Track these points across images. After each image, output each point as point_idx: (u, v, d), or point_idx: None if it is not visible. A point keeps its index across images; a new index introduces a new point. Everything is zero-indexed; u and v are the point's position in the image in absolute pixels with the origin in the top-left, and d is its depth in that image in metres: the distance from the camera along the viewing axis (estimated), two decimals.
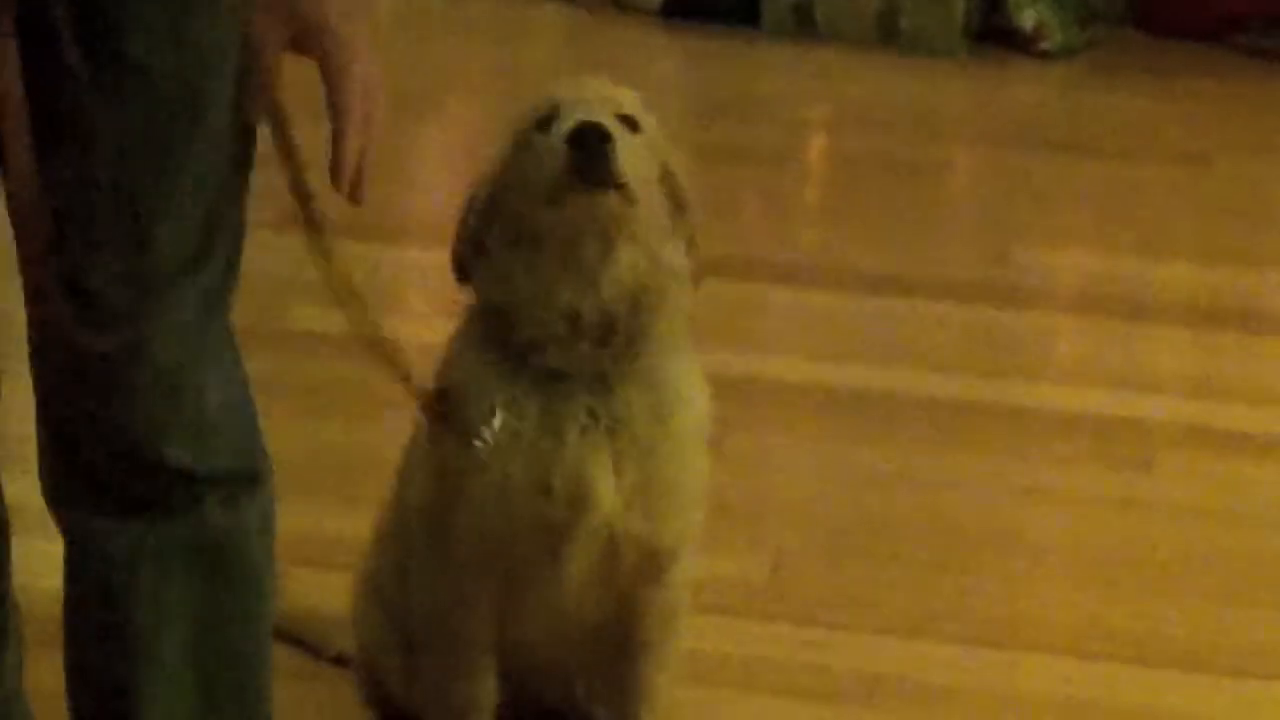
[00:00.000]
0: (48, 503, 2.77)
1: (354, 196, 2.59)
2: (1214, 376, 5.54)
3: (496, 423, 3.02)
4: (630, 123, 3.08)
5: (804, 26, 7.58)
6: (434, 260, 3.86)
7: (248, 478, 2.77)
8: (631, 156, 3.03)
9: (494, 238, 3.17)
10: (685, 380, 3.24)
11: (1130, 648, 4.28)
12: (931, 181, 6.85)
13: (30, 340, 2.65)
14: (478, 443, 3.00)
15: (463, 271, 3.23)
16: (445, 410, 3.07)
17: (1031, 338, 5.78)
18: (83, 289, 2.52)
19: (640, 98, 3.19)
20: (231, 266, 2.67)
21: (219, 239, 2.62)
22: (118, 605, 2.76)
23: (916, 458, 5.01)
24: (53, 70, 2.44)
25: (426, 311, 5.69)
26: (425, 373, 3.16)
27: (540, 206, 3.07)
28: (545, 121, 3.06)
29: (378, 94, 2.56)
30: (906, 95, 7.31)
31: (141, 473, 2.67)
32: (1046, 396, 5.42)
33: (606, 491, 3.13)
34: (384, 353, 2.91)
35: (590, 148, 2.98)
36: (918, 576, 4.51)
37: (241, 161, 2.60)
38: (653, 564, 3.27)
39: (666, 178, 3.13)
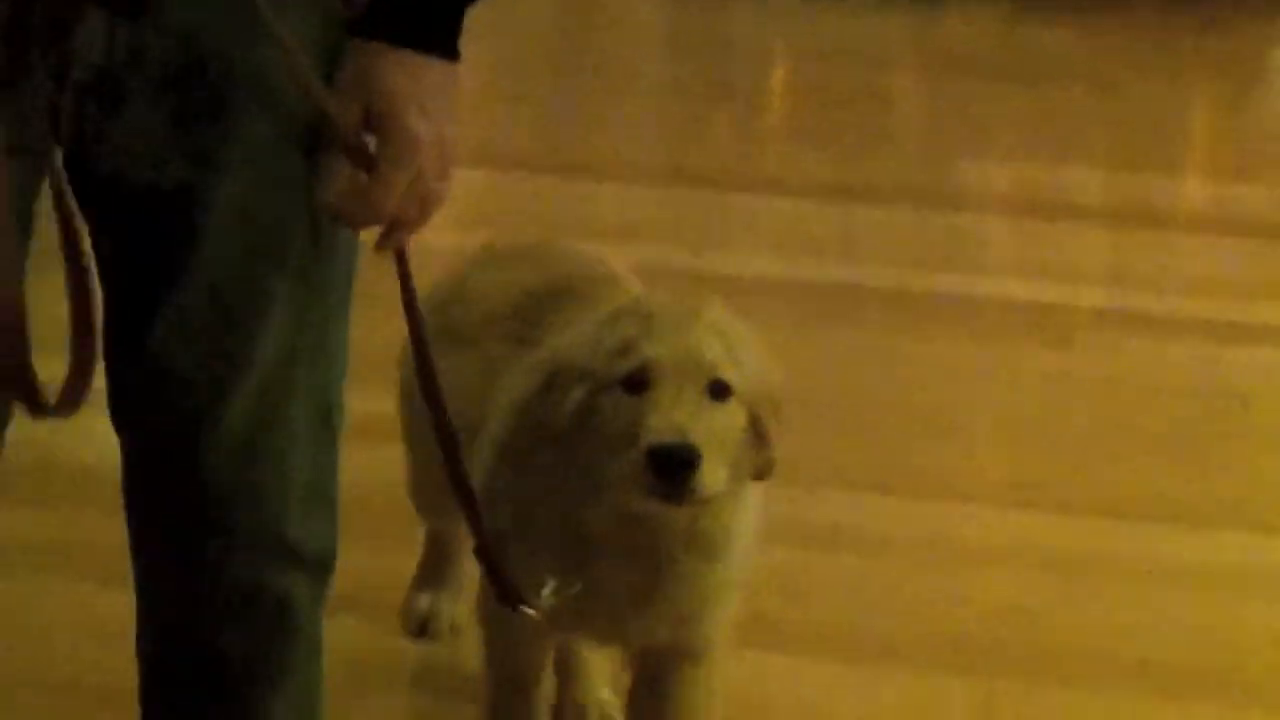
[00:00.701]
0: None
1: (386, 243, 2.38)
2: (1125, 267, 5.61)
3: (546, 592, 2.77)
4: (720, 389, 2.66)
5: None
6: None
7: None
8: (717, 447, 2.63)
9: (566, 440, 2.77)
10: (739, 545, 2.89)
11: (1054, 499, 4.38)
12: (882, 105, 6.85)
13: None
14: (527, 610, 2.73)
15: (533, 434, 2.84)
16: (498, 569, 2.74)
17: (969, 237, 5.81)
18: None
19: (730, 333, 2.73)
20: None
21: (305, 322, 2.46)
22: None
23: (872, 339, 5.09)
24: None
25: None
26: None
27: (613, 486, 2.70)
28: (633, 384, 2.66)
29: (436, 191, 2.34)
30: (859, 32, 7.30)
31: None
32: (982, 286, 5.46)
33: (638, 623, 2.94)
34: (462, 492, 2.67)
35: (672, 472, 2.59)
36: (866, 439, 4.61)
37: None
38: (684, 646, 3.03)
39: (754, 421, 2.71)
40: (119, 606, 2.74)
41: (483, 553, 2.71)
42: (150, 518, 2.55)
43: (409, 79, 2.25)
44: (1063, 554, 4.19)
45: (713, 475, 2.62)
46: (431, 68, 2.26)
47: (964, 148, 6.48)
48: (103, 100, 2.21)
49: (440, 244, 5.60)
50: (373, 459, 3.29)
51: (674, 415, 2.61)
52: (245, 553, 2.53)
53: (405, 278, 2.47)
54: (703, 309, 2.75)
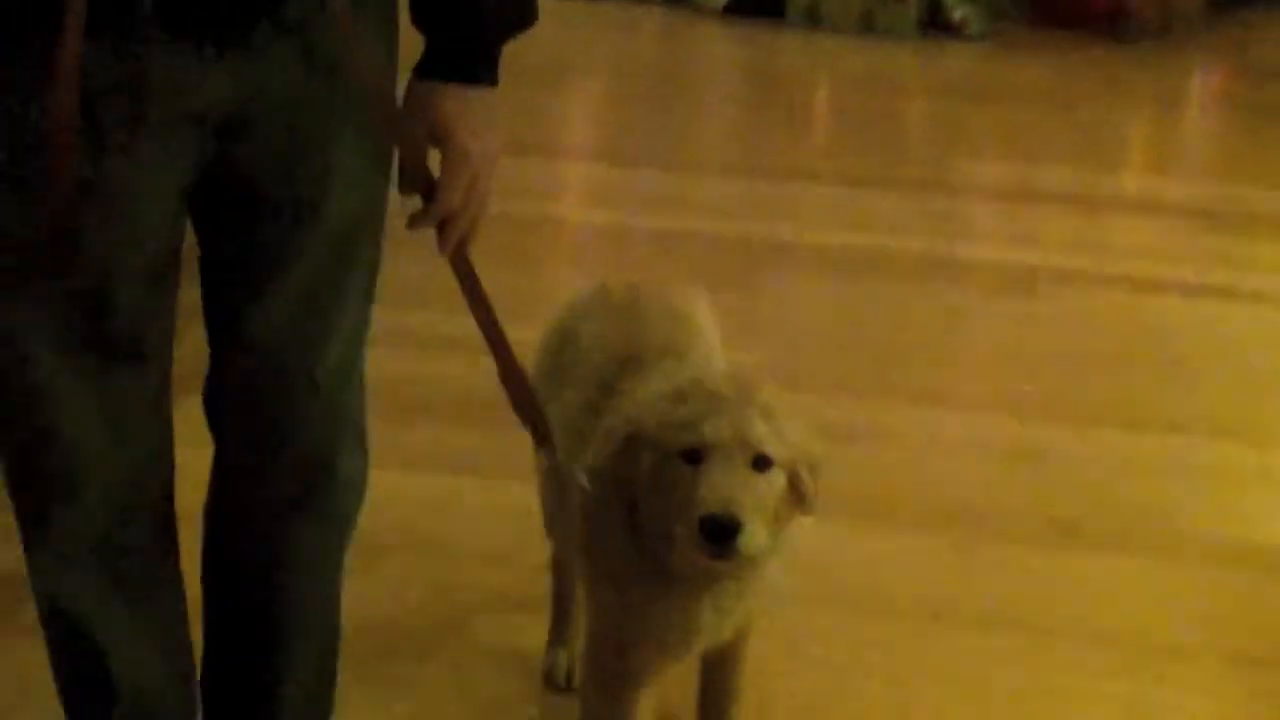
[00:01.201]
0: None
1: (468, 239, 2.31)
2: (1076, 238, 5.58)
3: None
4: (763, 462, 2.52)
5: (813, 20, 7.52)
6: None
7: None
8: (758, 511, 2.50)
9: (640, 494, 2.61)
10: (769, 568, 2.69)
11: (1019, 405, 4.40)
12: (896, 120, 6.79)
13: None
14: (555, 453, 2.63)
15: (613, 486, 2.66)
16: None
17: (958, 215, 5.79)
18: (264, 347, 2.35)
19: (770, 406, 2.55)
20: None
21: (365, 307, 2.42)
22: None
23: (886, 288, 5.10)
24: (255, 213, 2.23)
25: None
26: None
27: (676, 540, 2.54)
28: (692, 456, 2.50)
29: (486, 195, 2.29)
30: (879, 65, 7.23)
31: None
32: (968, 251, 5.48)
33: (708, 636, 2.72)
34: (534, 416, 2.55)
35: (719, 537, 2.45)
36: (880, 361, 4.62)
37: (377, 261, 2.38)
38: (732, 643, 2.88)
39: (794, 479, 2.57)
40: None
41: (510, 383, 2.50)
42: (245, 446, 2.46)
43: (459, 105, 2.21)
44: (1025, 445, 4.23)
45: (754, 538, 2.48)
46: (477, 95, 2.22)
47: (956, 150, 6.46)
48: (233, 133, 2.12)
49: (574, 218, 5.69)
50: None
51: (722, 489, 2.46)
52: (333, 493, 2.50)
53: (463, 260, 2.32)
54: (755, 391, 2.57)
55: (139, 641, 2.45)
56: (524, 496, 3.15)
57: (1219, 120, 7.18)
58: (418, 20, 2.21)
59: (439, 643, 3.30)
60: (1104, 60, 7.36)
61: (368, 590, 3.20)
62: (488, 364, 2.38)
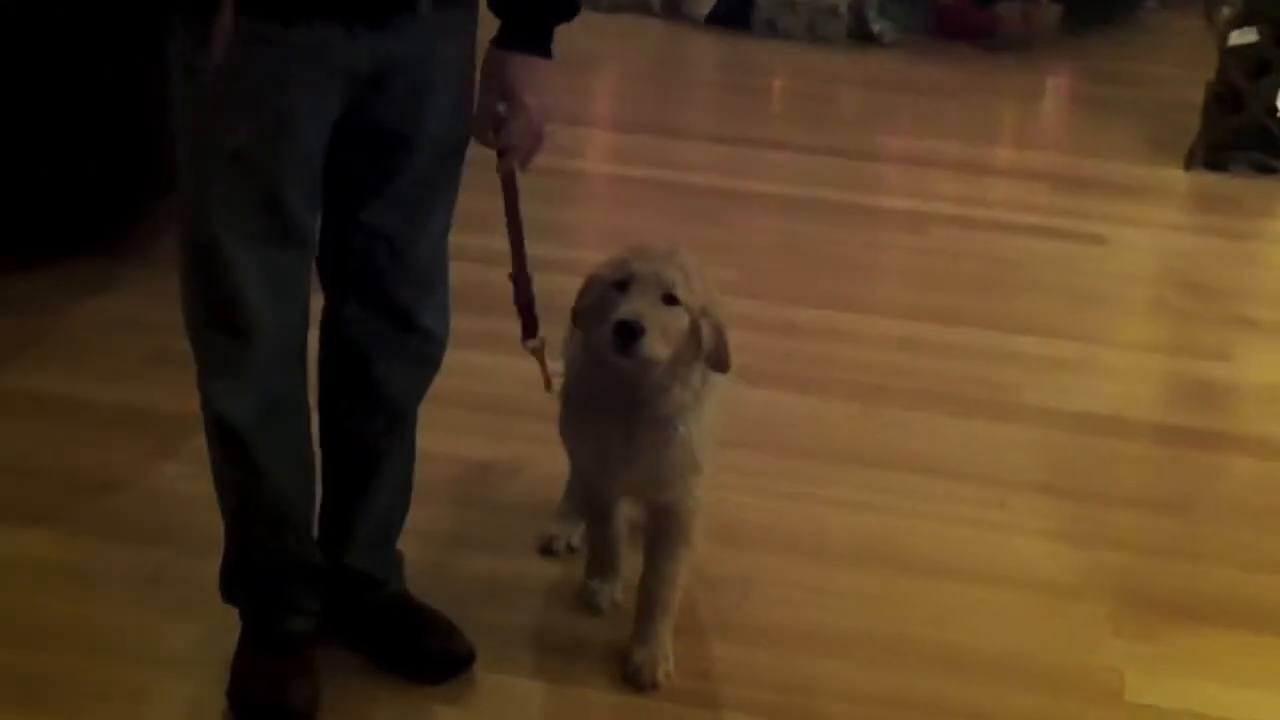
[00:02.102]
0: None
1: (523, 166, 2.39)
2: (963, 194, 5.55)
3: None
4: (671, 299, 2.48)
5: (772, 29, 7.43)
6: None
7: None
8: (660, 333, 2.46)
9: (587, 321, 2.57)
10: (692, 426, 2.62)
11: (915, 312, 4.42)
12: (832, 104, 6.75)
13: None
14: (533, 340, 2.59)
15: (575, 322, 2.64)
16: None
17: (878, 176, 5.75)
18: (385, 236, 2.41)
19: (687, 266, 2.53)
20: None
21: (450, 208, 2.49)
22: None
23: (822, 229, 5.07)
24: (374, 136, 2.32)
25: None
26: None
27: (603, 348, 2.49)
28: (622, 284, 2.50)
29: (540, 134, 2.36)
30: (822, 63, 7.16)
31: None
32: (883, 201, 5.45)
33: (627, 476, 2.67)
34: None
35: (626, 337, 2.43)
36: (814, 277, 4.64)
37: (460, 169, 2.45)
38: (666, 513, 2.72)
39: (693, 330, 2.52)
40: None
41: (517, 282, 2.55)
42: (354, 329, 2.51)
43: (523, 70, 2.29)
44: (915, 338, 4.25)
45: (654, 345, 2.46)
46: (537, 63, 2.30)
47: (877, 127, 6.43)
48: (371, 85, 2.25)
49: (591, 170, 5.68)
50: None
51: (635, 306, 2.46)
52: (419, 340, 2.53)
53: (512, 182, 2.43)
54: (678, 254, 2.55)
55: (282, 455, 2.48)
56: None
57: (1065, 109, 7.16)
58: (493, 6, 2.31)
59: None
60: (984, 64, 7.28)
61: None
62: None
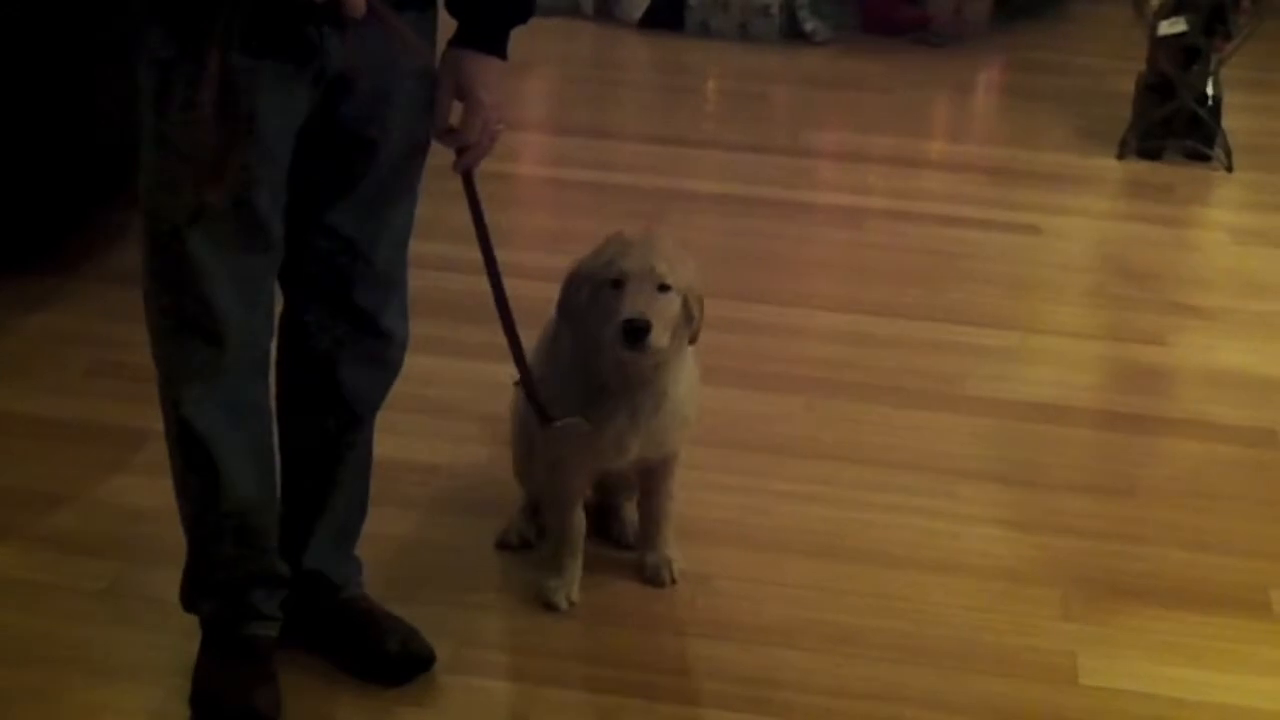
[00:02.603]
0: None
1: (474, 163, 2.42)
2: (896, 187, 5.54)
3: (573, 420, 2.72)
4: (665, 287, 2.67)
5: (705, 30, 7.40)
6: None
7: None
8: (662, 321, 2.66)
9: (580, 318, 2.75)
10: (679, 383, 2.83)
11: (855, 306, 4.45)
12: (765, 102, 6.74)
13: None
14: (556, 424, 2.70)
15: (561, 316, 2.82)
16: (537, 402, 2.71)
17: (814, 172, 5.78)
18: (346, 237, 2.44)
19: (671, 252, 2.73)
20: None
21: (412, 209, 2.53)
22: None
23: (758, 224, 5.10)
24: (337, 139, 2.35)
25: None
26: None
27: (606, 344, 2.69)
28: (617, 283, 2.66)
29: (494, 133, 2.41)
30: (756, 62, 7.16)
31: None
32: (817, 197, 5.48)
33: (635, 445, 2.81)
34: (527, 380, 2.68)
35: (635, 335, 2.62)
36: (753, 274, 4.64)
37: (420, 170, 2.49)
38: (661, 460, 2.93)
39: (685, 306, 2.71)
40: None
41: (525, 385, 2.69)
42: (312, 328, 2.53)
43: (480, 69, 2.36)
44: (856, 332, 4.28)
45: (660, 337, 2.65)
46: (493, 63, 2.37)
47: (809, 124, 6.43)
48: (337, 87, 2.29)
49: (528, 174, 5.67)
50: None
51: (638, 304, 2.64)
52: (382, 343, 2.57)
53: (472, 185, 2.46)
54: (658, 241, 2.76)
55: (248, 462, 2.50)
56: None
57: (998, 102, 7.18)
58: (451, 9, 2.37)
59: None
60: (916, 58, 7.28)
61: None
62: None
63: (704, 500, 3.30)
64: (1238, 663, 2.89)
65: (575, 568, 2.96)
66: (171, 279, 2.33)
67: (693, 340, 2.80)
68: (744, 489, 3.40)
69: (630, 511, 3.16)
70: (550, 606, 2.93)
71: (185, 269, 2.30)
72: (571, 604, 2.94)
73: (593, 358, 2.76)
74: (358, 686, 2.67)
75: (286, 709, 2.56)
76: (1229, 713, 2.76)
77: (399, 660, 2.67)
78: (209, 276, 2.31)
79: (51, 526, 3.09)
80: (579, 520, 2.96)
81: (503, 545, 3.11)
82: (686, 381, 2.86)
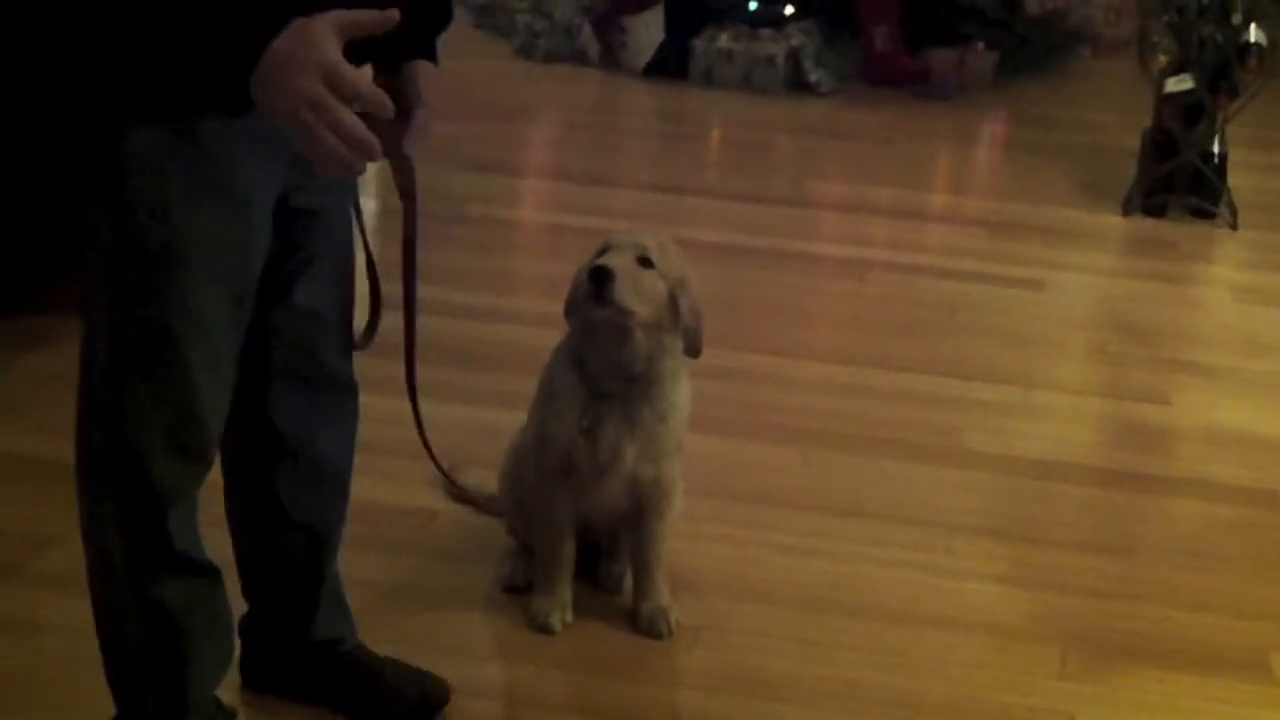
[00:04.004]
0: None
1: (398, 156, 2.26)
2: (896, 239, 5.58)
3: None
4: (645, 261, 2.72)
5: (708, 79, 7.45)
6: None
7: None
8: (633, 286, 2.69)
9: (576, 310, 2.82)
10: (676, 398, 2.87)
11: (854, 358, 4.46)
12: (767, 151, 6.77)
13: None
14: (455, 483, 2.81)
15: (566, 314, 2.87)
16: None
17: (811, 221, 5.79)
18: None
19: (664, 242, 2.79)
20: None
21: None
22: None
23: (756, 274, 5.12)
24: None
25: None
26: None
27: (582, 304, 2.77)
28: (601, 252, 2.75)
29: (429, 131, 2.22)
30: (758, 111, 7.20)
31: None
32: (817, 248, 5.50)
33: (630, 455, 2.86)
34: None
35: (598, 282, 2.67)
36: (752, 324, 4.66)
37: None
38: (654, 485, 2.94)
39: (670, 299, 2.75)
40: None
41: (422, 438, 2.65)
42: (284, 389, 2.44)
43: (423, 73, 2.25)
44: (854, 384, 4.30)
45: (627, 294, 2.67)
46: (430, 67, 2.26)
47: (811, 174, 6.46)
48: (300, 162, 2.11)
49: (527, 220, 5.68)
50: None
51: (608, 258, 2.70)
52: (349, 397, 2.53)
53: (411, 193, 2.31)
54: (653, 231, 2.85)
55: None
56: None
57: (1000, 155, 7.20)
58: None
59: None
60: (918, 110, 7.32)
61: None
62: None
63: (697, 550, 3.30)
64: None
65: (567, 591, 3.01)
66: (152, 382, 2.17)
67: (691, 351, 2.84)
68: (739, 540, 3.41)
69: (619, 556, 3.17)
70: (544, 629, 2.97)
71: (172, 366, 2.16)
72: (566, 625, 2.98)
73: (590, 357, 2.81)
74: None
75: None
76: None
77: (419, 699, 2.69)
78: (196, 374, 2.18)
79: (40, 567, 3.07)
80: (569, 546, 2.99)
81: (509, 588, 3.11)
82: (682, 396, 2.89)
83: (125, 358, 2.13)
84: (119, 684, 2.42)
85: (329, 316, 2.42)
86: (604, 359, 2.80)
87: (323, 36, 1.84)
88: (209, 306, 2.14)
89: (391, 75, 2.23)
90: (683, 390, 2.88)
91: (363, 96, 1.86)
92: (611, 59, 7.76)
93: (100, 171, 2.06)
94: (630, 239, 2.75)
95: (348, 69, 1.85)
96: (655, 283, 2.73)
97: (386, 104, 1.89)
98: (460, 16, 6.97)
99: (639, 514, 2.98)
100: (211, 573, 2.38)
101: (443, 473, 3.08)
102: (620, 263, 2.70)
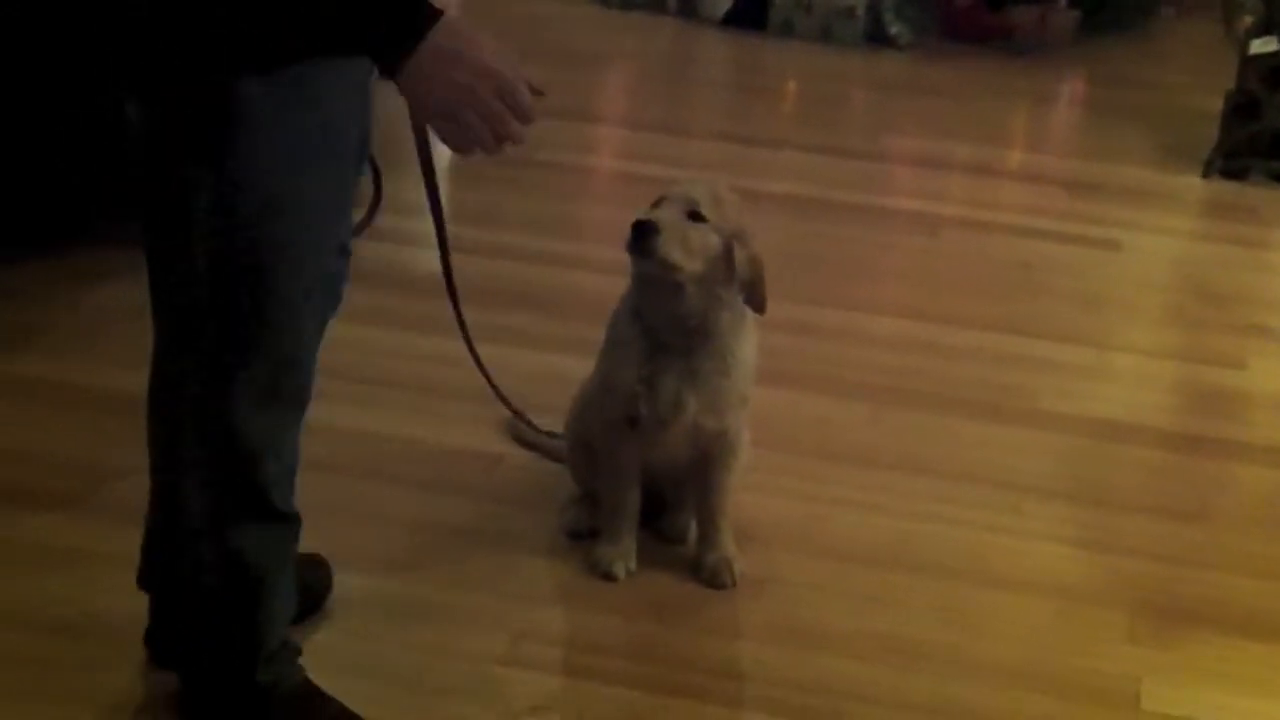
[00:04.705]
0: None
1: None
2: (971, 195, 5.58)
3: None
4: (695, 215, 2.68)
5: (787, 30, 7.44)
6: None
7: None
8: (680, 241, 2.66)
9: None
10: (740, 351, 2.83)
11: (926, 315, 4.45)
12: (844, 105, 6.76)
13: None
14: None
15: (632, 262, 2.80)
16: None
17: (890, 177, 5.79)
18: None
19: (719, 194, 2.75)
20: None
21: None
22: None
23: (831, 228, 5.12)
24: None
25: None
26: None
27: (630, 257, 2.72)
28: (657, 203, 2.73)
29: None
30: (835, 65, 7.18)
31: None
32: (892, 202, 5.48)
33: (691, 407, 2.82)
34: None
35: (638, 234, 2.64)
36: (825, 278, 4.67)
37: None
38: (719, 437, 2.90)
39: (725, 251, 2.71)
40: None
41: (478, 364, 2.69)
42: None
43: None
44: (926, 341, 4.27)
45: (669, 248, 2.64)
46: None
47: (887, 128, 6.46)
48: None
49: (602, 167, 5.67)
50: None
51: (655, 213, 2.68)
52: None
53: (427, 150, 2.30)
54: (712, 183, 2.80)
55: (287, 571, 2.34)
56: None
57: (1079, 115, 7.18)
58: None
59: None
60: (997, 67, 7.31)
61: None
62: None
63: (763, 503, 3.28)
64: None
65: (631, 539, 2.99)
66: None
67: (755, 306, 2.79)
68: (805, 494, 3.38)
69: (684, 507, 3.14)
70: (608, 577, 2.95)
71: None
72: (630, 573, 2.97)
73: (646, 309, 2.79)
74: (408, 679, 2.64)
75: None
76: None
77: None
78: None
79: (116, 497, 3.04)
80: (634, 495, 2.98)
81: (573, 535, 3.09)
82: (747, 350, 2.84)
83: (226, 310, 2.06)
84: (187, 630, 2.34)
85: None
86: (659, 311, 2.77)
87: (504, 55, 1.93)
88: (311, 257, 2.09)
89: None
90: (747, 343, 2.84)
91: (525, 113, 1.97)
92: (689, 7, 7.75)
93: (202, 122, 1.97)
94: (683, 191, 2.72)
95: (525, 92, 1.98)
96: (705, 236, 2.69)
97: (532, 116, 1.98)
98: None
99: (704, 465, 2.95)
100: (295, 521, 2.30)
101: (513, 410, 3.06)
102: (666, 216, 2.67)
